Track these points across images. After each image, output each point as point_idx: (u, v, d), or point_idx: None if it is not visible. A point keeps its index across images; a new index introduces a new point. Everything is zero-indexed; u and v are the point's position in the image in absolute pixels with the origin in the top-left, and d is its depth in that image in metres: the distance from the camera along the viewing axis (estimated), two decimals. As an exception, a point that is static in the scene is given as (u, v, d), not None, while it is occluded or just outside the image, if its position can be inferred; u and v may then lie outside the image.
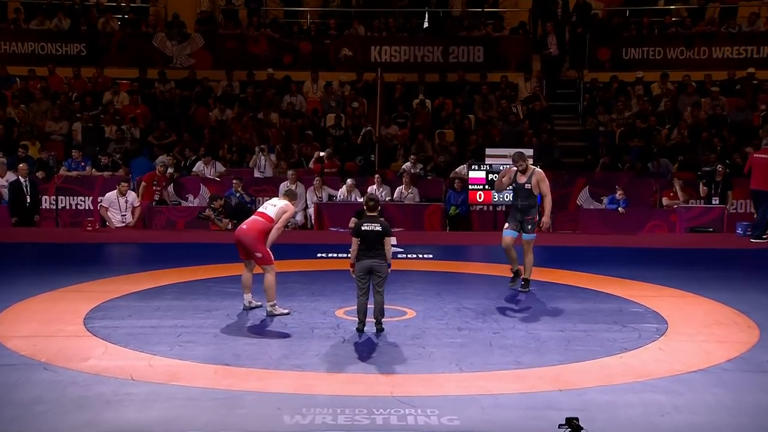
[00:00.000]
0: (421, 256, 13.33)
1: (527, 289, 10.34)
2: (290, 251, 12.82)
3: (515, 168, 10.41)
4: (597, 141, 18.64)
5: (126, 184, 16.10)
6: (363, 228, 8.37)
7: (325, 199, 16.79)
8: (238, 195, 15.91)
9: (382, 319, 8.42)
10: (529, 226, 10.36)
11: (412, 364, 7.40)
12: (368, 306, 8.43)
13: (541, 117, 19.14)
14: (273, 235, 9.13)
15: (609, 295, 10.33)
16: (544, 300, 10.05)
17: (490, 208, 16.93)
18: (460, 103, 19.59)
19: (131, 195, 16.03)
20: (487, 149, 16.75)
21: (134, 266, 12.22)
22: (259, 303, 9.37)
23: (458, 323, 8.90)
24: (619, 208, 16.32)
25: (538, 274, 11.50)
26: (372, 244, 8.31)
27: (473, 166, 16.28)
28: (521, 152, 10.74)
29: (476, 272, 12.16)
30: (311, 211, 16.51)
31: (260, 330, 8.55)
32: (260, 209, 9.36)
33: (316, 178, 16.68)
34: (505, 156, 16.19)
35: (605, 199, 16.80)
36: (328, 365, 7.36)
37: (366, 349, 7.84)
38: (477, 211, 17.17)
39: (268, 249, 9.09)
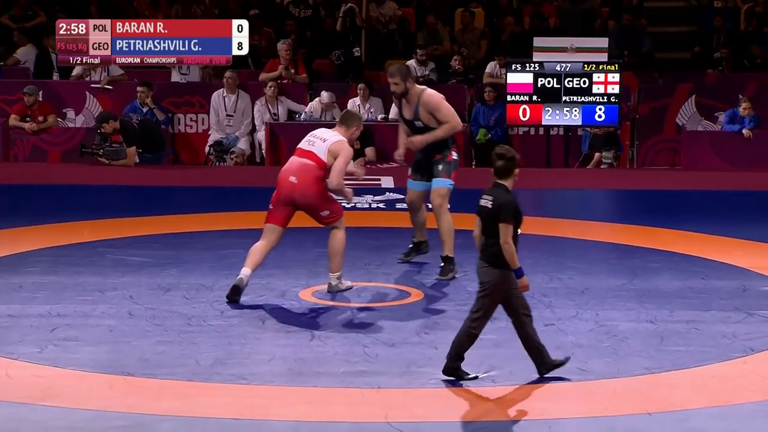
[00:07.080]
0: (430, 206, 13.27)
1: (448, 276, 9.90)
2: (229, 198, 12.80)
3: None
4: (710, 24, 18.52)
5: None
6: None
7: (282, 117, 16.72)
8: (145, 110, 15.87)
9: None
10: (441, 166, 9.96)
11: (418, 373, 7.41)
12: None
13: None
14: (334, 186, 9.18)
15: (726, 266, 10.34)
16: (626, 273, 10.06)
17: (540, 130, 16.86)
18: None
19: None
20: (535, 39, 16.63)
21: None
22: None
23: (491, 310, 8.93)
24: (744, 130, 16.28)
25: (615, 234, 11.46)
26: None
27: (514, 66, 16.19)
28: (401, 67, 10.24)
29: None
30: (261, 135, 16.45)
31: (182, 322, 8.54)
32: (303, 145, 9.32)
33: (270, 85, 16.58)
34: (564, 49, 16.17)
35: (722, 116, 16.76)
36: (289, 375, 7.37)
37: (347, 351, 7.85)
38: (519, 135, 17.07)
39: (333, 199, 9.27)
